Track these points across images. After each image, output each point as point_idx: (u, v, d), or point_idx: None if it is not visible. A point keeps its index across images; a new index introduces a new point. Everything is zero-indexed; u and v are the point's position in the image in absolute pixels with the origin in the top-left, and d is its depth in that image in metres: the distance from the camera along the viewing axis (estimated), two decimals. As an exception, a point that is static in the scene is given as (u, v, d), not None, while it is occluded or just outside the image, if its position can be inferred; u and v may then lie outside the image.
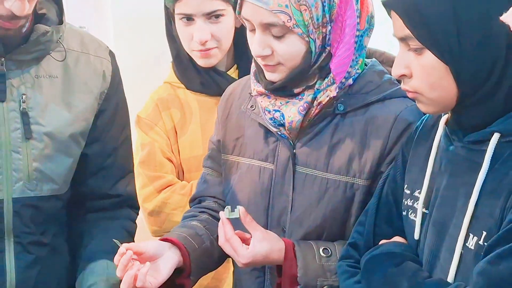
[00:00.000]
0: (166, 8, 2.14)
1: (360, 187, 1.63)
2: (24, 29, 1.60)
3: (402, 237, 1.48)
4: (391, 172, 1.54)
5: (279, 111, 1.64)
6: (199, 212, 1.84)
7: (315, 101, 1.62)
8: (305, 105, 1.62)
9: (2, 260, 1.63)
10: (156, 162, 2.14)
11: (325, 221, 1.65)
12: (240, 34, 2.10)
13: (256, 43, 1.58)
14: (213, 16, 2.06)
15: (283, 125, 1.65)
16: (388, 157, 1.62)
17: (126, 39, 2.41)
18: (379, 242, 1.49)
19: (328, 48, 1.60)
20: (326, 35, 1.58)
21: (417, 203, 1.42)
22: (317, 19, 1.55)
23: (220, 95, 1.92)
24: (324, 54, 1.60)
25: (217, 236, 1.64)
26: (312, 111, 1.63)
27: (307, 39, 1.56)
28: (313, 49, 1.58)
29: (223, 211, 1.62)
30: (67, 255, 1.79)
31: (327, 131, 1.65)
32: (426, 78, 1.31)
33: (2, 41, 1.56)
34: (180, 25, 2.10)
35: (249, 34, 1.63)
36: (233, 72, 2.19)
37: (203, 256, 1.71)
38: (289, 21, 1.53)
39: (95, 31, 2.41)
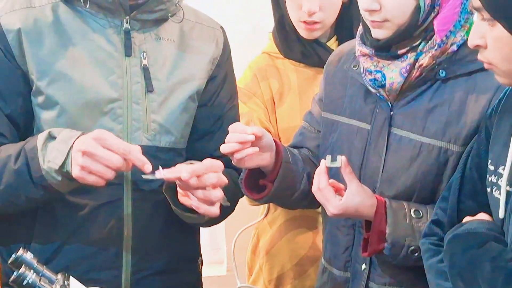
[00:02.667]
0: None
1: (454, 153, 1.62)
2: None
3: (487, 213, 1.43)
4: (474, 146, 1.49)
5: (380, 72, 1.66)
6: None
7: (417, 63, 1.62)
8: (407, 67, 1.63)
9: (120, 207, 1.69)
10: (255, 132, 2.16)
11: (416, 183, 1.65)
12: (344, 8, 2.11)
13: None
14: None
15: (383, 86, 1.66)
16: None
17: (223, 10, 2.44)
18: (463, 218, 1.44)
19: (437, 7, 1.60)
20: None
21: (501, 180, 1.36)
22: None
23: (320, 66, 1.94)
24: (432, 14, 1.60)
25: (309, 173, 1.70)
26: (413, 74, 1.63)
27: None
28: (422, 5, 1.57)
29: (325, 159, 1.64)
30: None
31: (426, 95, 1.65)
32: (498, 50, 1.28)
33: (128, 3, 1.68)
34: None
35: None
36: (332, 43, 2.18)
37: (290, 175, 1.75)
38: None
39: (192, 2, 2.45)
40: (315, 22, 2.10)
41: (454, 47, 1.62)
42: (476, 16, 1.33)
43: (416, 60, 1.62)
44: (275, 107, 2.19)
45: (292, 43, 2.18)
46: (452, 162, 1.62)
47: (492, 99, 1.58)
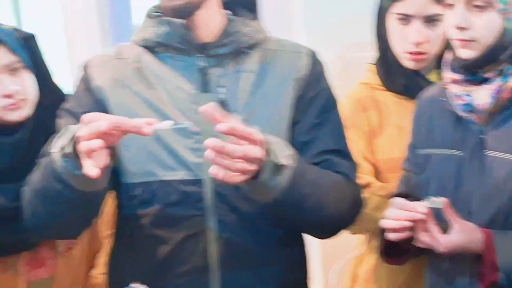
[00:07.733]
0: (379, 7, 2.20)
1: None
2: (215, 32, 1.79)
3: None
4: None
5: (470, 95, 1.70)
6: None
7: (505, 85, 1.67)
8: (496, 89, 1.67)
9: (204, 242, 1.72)
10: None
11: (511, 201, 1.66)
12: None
13: (458, 15, 1.66)
14: (431, 19, 2.10)
15: (472, 110, 1.70)
16: None
17: (319, 44, 2.50)
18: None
19: None
20: None
21: None
22: None
23: None
24: None
25: None
26: (502, 96, 1.68)
27: (504, 16, 1.62)
28: (509, 27, 1.63)
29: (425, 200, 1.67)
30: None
31: None
32: None
33: (196, 41, 1.78)
34: (395, 25, 2.15)
35: (447, 13, 1.70)
36: (433, 76, 2.19)
37: None
38: None
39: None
40: (421, 53, 2.13)
41: None
42: None
43: (504, 82, 1.67)
44: (374, 138, 2.22)
45: (394, 76, 2.20)
46: None
47: None
